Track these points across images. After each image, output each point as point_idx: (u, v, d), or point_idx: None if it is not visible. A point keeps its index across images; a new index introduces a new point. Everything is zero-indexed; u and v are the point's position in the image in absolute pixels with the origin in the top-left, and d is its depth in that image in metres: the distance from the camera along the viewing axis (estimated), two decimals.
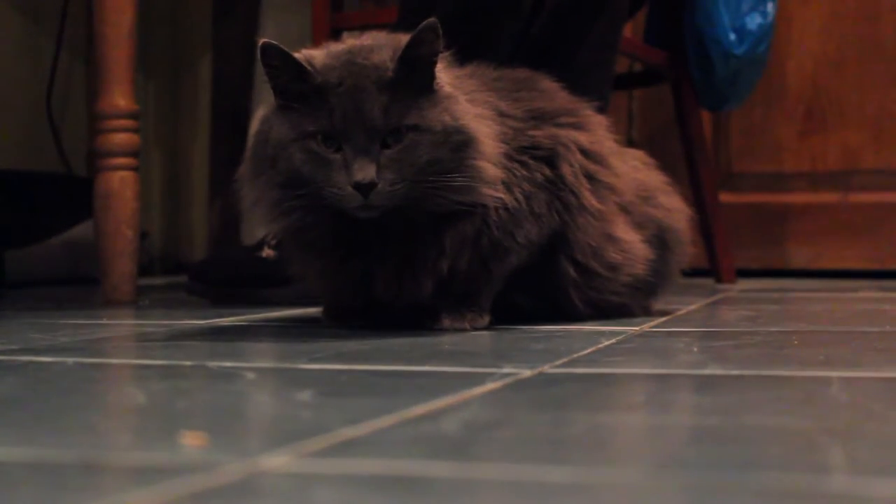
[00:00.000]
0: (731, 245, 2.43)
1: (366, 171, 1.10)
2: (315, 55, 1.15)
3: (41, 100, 2.51)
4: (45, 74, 2.51)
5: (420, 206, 1.14)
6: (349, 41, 1.20)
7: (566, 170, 1.23)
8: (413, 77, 1.13)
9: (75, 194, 2.31)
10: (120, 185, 1.73)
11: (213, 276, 1.72)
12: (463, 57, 1.24)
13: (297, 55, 1.13)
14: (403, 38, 1.14)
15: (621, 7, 1.72)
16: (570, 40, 1.65)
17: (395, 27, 1.43)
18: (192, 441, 0.62)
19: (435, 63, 1.14)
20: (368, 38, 1.19)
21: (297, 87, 1.13)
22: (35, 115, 2.51)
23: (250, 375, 0.89)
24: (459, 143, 1.13)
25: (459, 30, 1.15)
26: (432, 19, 1.12)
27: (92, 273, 1.80)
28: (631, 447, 0.65)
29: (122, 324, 1.42)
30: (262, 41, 1.12)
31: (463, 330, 1.20)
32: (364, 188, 1.10)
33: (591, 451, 0.62)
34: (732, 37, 2.22)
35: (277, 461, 0.57)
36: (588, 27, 1.66)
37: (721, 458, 0.59)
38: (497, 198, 1.16)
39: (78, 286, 2.20)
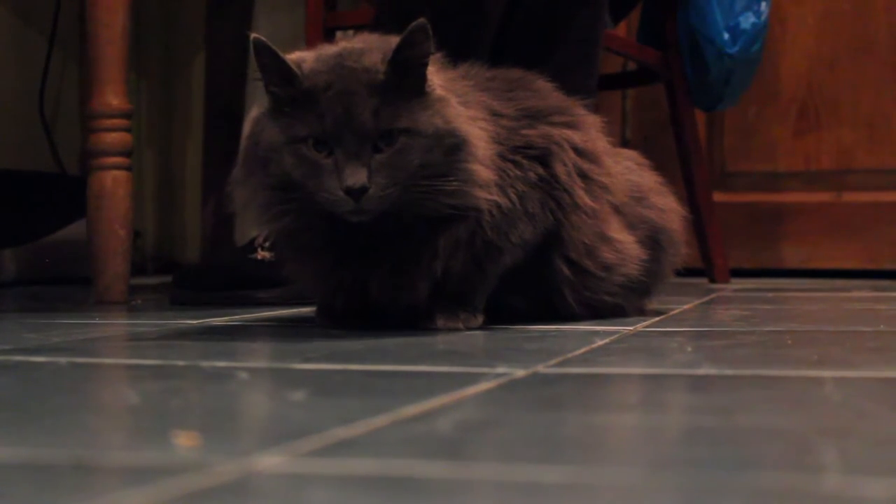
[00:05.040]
0: (725, 245, 2.43)
1: (357, 176, 1.09)
2: (305, 58, 1.15)
3: (34, 99, 2.51)
4: (37, 73, 2.51)
5: (413, 209, 1.13)
6: (341, 44, 1.19)
7: (559, 168, 1.23)
8: (404, 80, 1.12)
9: (68, 194, 2.31)
10: (113, 184, 1.72)
11: (207, 281, 1.71)
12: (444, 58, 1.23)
13: (287, 58, 1.13)
14: (394, 41, 1.13)
15: (600, 1, 1.71)
16: (548, 39, 1.64)
17: (372, 28, 1.42)
18: (185, 441, 0.62)
19: (426, 65, 1.13)
20: (359, 41, 1.18)
21: (285, 90, 1.13)
22: (27, 115, 2.51)
23: (244, 375, 0.89)
24: (452, 147, 1.13)
25: (436, 32, 1.15)
26: (422, 20, 1.11)
27: (85, 272, 1.79)
28: (625, 447, 0.65)
29: (115, 323, 1.42)
30: (253, 36, 1.12)
31: (457, 330, 1.20)
32: (355, 193, 1.09)
33: (585, 452, 0.62)
34: (726, 36, 2.22)
35: (271, 461, 0.57)
36: (567, 24, 1.65)
37: (715, 458, 0.59)
38: (490, 200, 1.16)
39: (71, 286, 2.20)
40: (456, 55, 1.24)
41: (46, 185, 2.42)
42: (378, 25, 1.46)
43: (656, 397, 0.82)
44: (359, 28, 1.89)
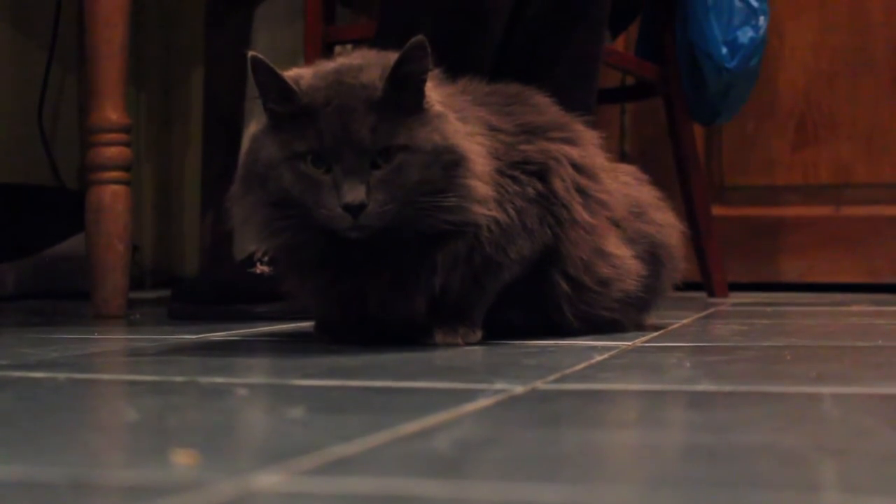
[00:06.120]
0: (724, 259, 2.43)
1: (355, 193, 1.09)
2: (303, 75, 1.15)
3: (33, 113, 2.51)
4: (36, 87, 2.51)
5: (411, 226, 1.13)
6: (339, 59, 1.19)
7: (558, 184, 1.23)
8: (402, 96, 1.12)
9: (67, 208, 2.31)
10: (111, 198, 1.72)
11: (206, 296, 1.71)
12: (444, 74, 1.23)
13: (284, 75, 1.13)
14: (392, 57, 1.13)
15: (599, 18, 1.71)
16: (547, 56, 1.64)
17: (373, 43, 1.42)
18: (183, 459, 0.62)
19: (424, 81, 1.13)
20: (358, 57, 1.19)
21: (284, 106, 1.13)
22: (27, 128, 2.51)
23: (242, 391, 0.89)
24: (450, 163, 1.13)
25: (436, 48, 1.15)
26: (420, 37, 1.11)
27: (83, 287, 1.79)
28: (624, 465, 0.65)
29: (114, 338, 1.42)
30: (251, 54, 1.12)
31: (455, 345, 1.20)
32: (354, 209, 1.09)
33: (584, 469, 0.62)
34: (724, 51, 2.22)
35: (269, 479, 0.57)
36: (565, 41, 1.65)
37: (713, 476, 0.59)
38: (489, 216, 1.16)
39: (69, 300, 2.20)
40: (457, 71, 1.25)
41: (45, 199, 2.42)
42: (378, 40, 1.46)
43: (655, 414, 0.82)
44: (357, 43, 1.90)
